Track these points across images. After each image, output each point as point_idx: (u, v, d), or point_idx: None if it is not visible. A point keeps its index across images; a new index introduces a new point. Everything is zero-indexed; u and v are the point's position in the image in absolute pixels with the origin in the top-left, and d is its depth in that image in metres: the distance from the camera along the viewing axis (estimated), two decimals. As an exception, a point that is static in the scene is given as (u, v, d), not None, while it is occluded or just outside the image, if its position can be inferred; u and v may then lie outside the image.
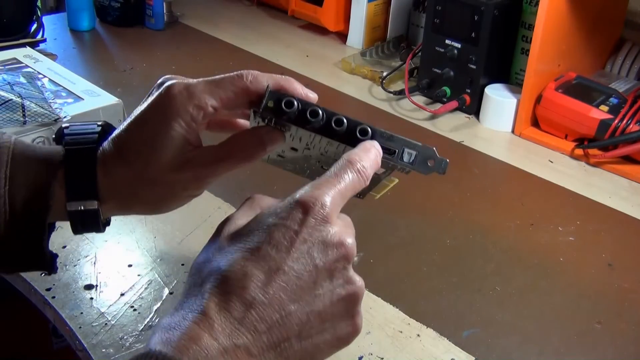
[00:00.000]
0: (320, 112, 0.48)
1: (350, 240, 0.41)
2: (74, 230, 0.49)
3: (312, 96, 0.49)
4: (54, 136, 0.50)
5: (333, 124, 0.48)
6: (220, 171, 0.48)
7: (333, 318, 0.40)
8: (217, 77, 0.48)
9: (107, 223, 0.52)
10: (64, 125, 0.49)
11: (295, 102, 0.48)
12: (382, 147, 0.48)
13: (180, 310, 0.38)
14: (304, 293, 0.39)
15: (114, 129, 0.49)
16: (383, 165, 0.49)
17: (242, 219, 0.43)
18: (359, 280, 0.42)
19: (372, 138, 0.48)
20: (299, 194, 0.41)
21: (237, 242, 0.40)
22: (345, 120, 0.48)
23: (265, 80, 0.48)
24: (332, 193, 0.41)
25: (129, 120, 0.48)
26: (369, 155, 0.45)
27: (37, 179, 0.46)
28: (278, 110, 0.48)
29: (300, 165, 0.55)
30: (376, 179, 0.51)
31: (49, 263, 0.48)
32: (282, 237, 0.39)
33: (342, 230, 0.41)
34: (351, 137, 0.48)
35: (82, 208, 0.47)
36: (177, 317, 0.37)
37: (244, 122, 0.54)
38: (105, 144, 0.48)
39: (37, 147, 0.48)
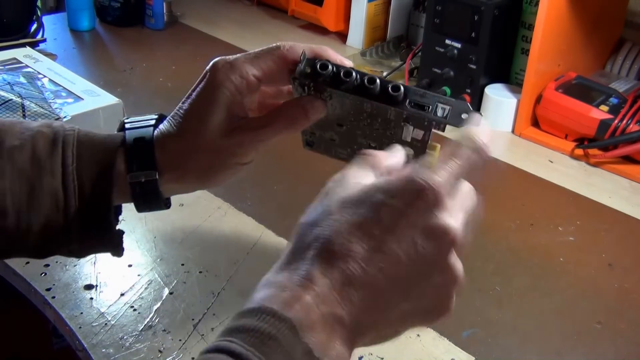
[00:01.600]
0: (354, 72, 0.50)
1: (456, 224, 0.40)
2: (137, 206, 0.52)
3: (348, 63, 0.52)
4: (117, 129, 0.54)
5: (366, 82, 0.50)
6: (263, 136, 0.51)
7: (427, 305, 0.40)
8: (257, 50, 0.52)
9: (168, 203, 0.55)
10: (125, 120, 0.53)
11: (330, 65, 0.50)
12: (416, 104, 0.49)
13: (285, 271, 0.39)
14: (400, 278, 0.39)
15: (166, 117, 0.54)
16: (419, 126, 0.50)
17: (354, 182, 0.42)
18: (459, 268, 0.41)
19: (405, 94, 0.50)
20: (414, 172, 0.40)
21: (345, 211, 0.40)
22: (377, 79, 0.50)
23: (301, 48, 0.51)
24: (447, 176, 0.41)
25: (183, 99, 0.53)
26: (485, 134, 0.44)
27: (101, 157, 0.50)
28: (314, 74, 0.50)
29: (351, 147, 0.56)
30: (421, 148, 0.52)
31: (116, 240, 0.52)
32: (389, 217, 0.39)
33: (451, 218, 0.40)
34: (385, 95, 0.50)
35: (143, 179, 0.50)
36: (282, 277, 0.38)
37: None
38: (162, 124, 0.53)
39: (100, 133, 0.52)
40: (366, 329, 0.39)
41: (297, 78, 0.51)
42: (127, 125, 0.53)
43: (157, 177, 0.51)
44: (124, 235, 0.53)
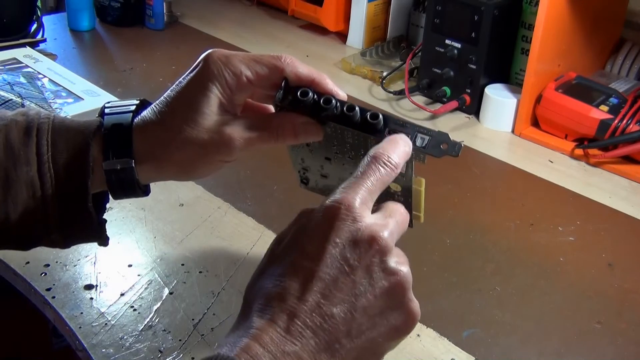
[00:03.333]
0: (333, 100, 0.49)
1: (384, 233, 0.41)
2: (113, 193, 0.51)
3: (342, 94, 0.51)
4: (97, 115, 0.52)
5: (345, 110, 0.49)
6: (251, 143, 0.50)
7: (382, 311, 0.41)
8: (258, 54, 0.50)
9: (147, 191, 0.54)
10: (105, 104, 0.52)
11: (310, 93, 0.49)
12: (395, 133, 0.48)
13: (236, 330, 0.40)
14: (343, 294, 0.40)
15: (151, 103, 0.52)
16: None
17: (284, 239, 0.44)
18: (402, 269, 0.42)
19: (384, 123, 0.49)
20: (327, 200, 0.41)
21: (275, 262, 0.42)
22: (356, 107, 0.49)
23: (302, 68, 0.50)
24: (359, 192, 0.42)
25: (170, 87, 0.51)
26: (394, 147, 0.45)
27: (77, 143, 0.48)
28: (294, 101, 0.49)
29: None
30: (405, 180, 0.51)
31: (97, 229, 0.50)
32: (312, 246, 0.40)
33: (373, 225, 0.41)
34: (366, 124, 0.49)
35: (119, 167, 0.49)
36: (233, 336, 0.39)
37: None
38: (146, 111, 0.51)
39: (76, 119, 0.51)
40: (331, 352, 0.39)
41: (277, 105, 0.50)
42: (106, 110, 0.51)
43: (133, 165, 0.49)
44: (125, 235, 0.53)
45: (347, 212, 0.40)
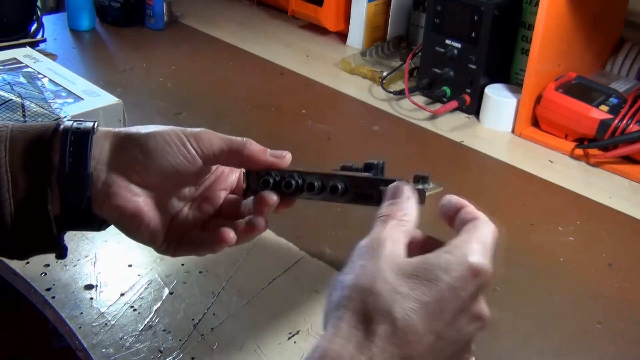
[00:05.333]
0: (293, 182, 0.52)
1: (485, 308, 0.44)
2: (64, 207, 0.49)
3: (287, 158, 0.53)
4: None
5: (306, 190, 0.52)
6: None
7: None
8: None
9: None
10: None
11: (271, 179, 0.52)
12: (359, 195, 0.52)
13: (348, 341, 0.38)
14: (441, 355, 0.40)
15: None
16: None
17: (400, 246, 0.43)
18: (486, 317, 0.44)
19: (345, 190, 0.52)
20: (472, 257, 0.42)
21: (404, 283, 0.40)
22: (315, 183, 0.52)
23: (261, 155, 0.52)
24: (490, 254, 0.45)
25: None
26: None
27: (35, 146, 0.47)
28: (263, 188, 0.53)
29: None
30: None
31: (55, 240, 0.48)
32: (452, 304, 0.40)
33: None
34: (330, 194, 0.52)
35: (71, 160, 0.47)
36: (345, 348, 0.38)
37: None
38: (120, 128, 0.51)
39: (34, 123, 0.50)
40: None
41: (245, 193, 0.54)
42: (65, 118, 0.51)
43: (90, 170, 0.48)
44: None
45: (488, 282, 0.43)
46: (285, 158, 0.53)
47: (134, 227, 0.51)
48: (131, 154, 0.49)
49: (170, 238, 0.53)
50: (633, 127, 0.90)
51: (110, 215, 0.50)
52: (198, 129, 0.51)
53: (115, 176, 0.49)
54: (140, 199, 0.50)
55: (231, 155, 0.51)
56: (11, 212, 0.46)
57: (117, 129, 0.51)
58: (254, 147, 0.52)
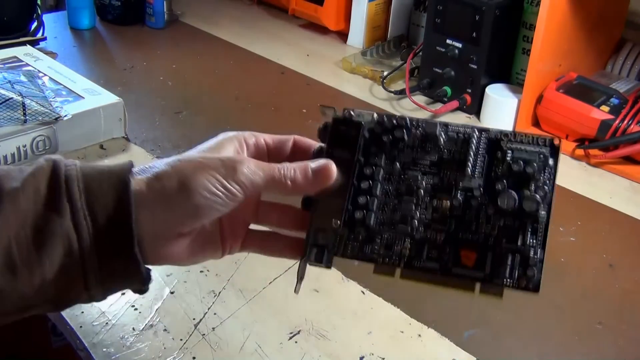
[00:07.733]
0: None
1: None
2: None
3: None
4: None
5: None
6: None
7: None
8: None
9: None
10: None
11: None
12: None
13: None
14: None
15: None
16: None
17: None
18: None
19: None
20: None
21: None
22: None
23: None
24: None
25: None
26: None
27: (115, 181, 0.43)
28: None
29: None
30: None
31: (142, 274, 0.43)
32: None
33: None
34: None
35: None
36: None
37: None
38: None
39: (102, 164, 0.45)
40: None
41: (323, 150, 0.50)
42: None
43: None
44: None
45: None
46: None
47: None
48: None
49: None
50: (634, 128, 0.90)
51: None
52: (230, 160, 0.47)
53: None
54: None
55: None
56: (92, 259, 0.42)
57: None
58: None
